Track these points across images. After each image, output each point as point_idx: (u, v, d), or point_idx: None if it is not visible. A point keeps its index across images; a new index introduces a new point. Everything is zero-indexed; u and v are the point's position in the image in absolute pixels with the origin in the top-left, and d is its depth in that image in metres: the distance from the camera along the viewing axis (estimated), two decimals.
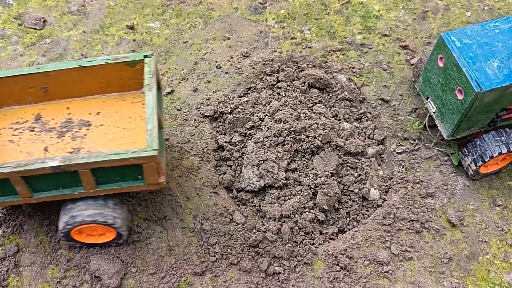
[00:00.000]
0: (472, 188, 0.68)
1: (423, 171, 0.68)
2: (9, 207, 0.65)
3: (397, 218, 0.67)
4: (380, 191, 0.80)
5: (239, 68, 0.84)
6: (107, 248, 0.84)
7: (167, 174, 0.80)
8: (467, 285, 0.61)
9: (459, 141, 0.69)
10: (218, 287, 0.65)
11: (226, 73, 0.78)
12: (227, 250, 0.79)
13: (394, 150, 0.74)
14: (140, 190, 0.88)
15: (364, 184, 0.83)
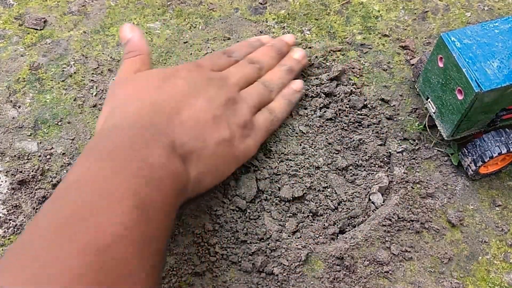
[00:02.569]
0: (472, 188, 0.68)
1: (423, 171, 0.68)
2: (9, 207, 0.66)
3: (397, 218, 0.67)
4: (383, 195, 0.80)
5: None
6: None
7: None
8: (467, 285, 0.61)
9: (459, 141, 0.69)
10: (218, 287, 0.66)
11: None
12: (227, 250, 0.79)
13: (394, 150, 0.74)
14: None
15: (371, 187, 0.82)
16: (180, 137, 0.44)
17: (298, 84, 0.61)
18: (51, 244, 0.36)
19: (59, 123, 0.71)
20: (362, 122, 0.70)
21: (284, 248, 0.64)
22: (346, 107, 0.71)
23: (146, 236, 0.37)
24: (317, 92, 0.71)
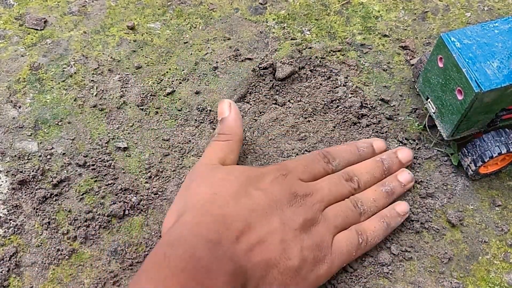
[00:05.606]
0: (472, 188, 0.68)
1: (423, 171, 0.68)
2: (9, 207, 0.66)
3: None
4: None
5: (239, 68, 0.84)
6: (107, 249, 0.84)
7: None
8: (467, 285, 0.61)
9: (458, 141, 0.69)
10: None
11: (227, 73, 0.78)
12: None
13: None
14: None
15: None
16: (244, 263, 0.40)
17: (403, 207, 0.53)
18: None
19: (59, 123, 0.71)
20: (361, 122, 0.70)
21: None
22: (346, 107, 0.71)
23: None
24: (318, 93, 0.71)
